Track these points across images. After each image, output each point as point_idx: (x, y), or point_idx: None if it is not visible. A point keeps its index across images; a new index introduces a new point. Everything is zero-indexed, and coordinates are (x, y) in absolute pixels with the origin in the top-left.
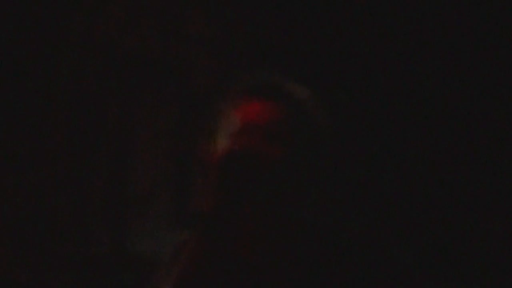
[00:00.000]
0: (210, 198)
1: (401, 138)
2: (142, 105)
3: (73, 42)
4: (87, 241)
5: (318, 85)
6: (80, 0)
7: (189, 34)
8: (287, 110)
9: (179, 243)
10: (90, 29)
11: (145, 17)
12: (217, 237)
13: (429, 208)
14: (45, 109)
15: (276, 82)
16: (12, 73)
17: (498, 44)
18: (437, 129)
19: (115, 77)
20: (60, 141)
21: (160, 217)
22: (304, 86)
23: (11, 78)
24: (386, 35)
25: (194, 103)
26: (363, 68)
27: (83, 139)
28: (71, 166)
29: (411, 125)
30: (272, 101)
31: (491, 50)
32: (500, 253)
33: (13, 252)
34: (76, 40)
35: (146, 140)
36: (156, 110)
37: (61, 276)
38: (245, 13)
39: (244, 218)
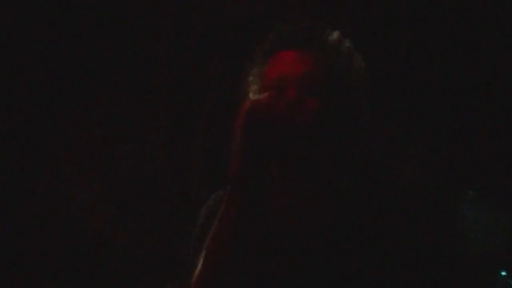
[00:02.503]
0: (237, 158)
1: None
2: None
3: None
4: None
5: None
6: None
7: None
8: (321, 58)
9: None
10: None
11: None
12: (246, 199)
13: None
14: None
15: (307, 29)
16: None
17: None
18: None
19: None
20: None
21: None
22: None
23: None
24: None
25: None
26: None
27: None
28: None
29: None
30: (303, 50)
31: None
32: None
33: (115, 214)
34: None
35: None
36: None
37: (160, 238)
38: None
39: (275, 177)
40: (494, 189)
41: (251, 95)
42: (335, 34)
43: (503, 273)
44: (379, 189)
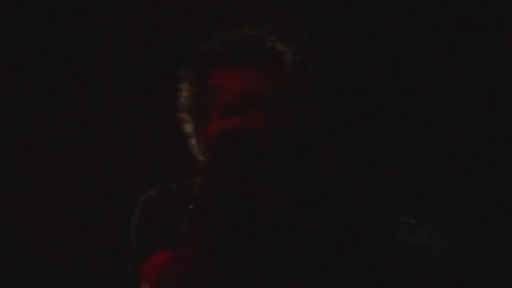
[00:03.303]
0: (205, 179)
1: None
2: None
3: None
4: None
5: None
6: None
7: (233, 16)
8: (274, 73)
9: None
10: (135, 10)
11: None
12: (214, 219)
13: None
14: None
15: (250, 39)
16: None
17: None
18: None
19: (158, 59)
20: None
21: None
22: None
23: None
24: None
25: None
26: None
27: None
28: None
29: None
30: (253, 64)
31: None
32: None
33: (55, 238)
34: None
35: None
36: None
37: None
38: None
39: (243, 195)
40: (431, 215)
41: (207, 115)
42: (282, 43)
43: None
44: (329, 191)
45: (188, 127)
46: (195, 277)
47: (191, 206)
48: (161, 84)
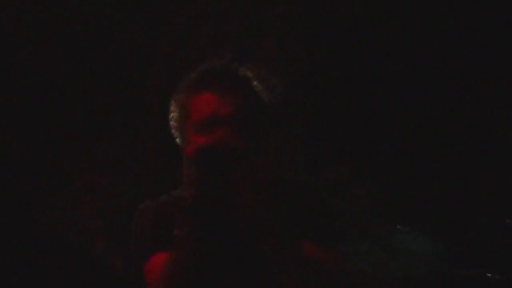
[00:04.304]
0: (191, 191)
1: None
2: None
3: (160, 66)
4: None
5: None
6: (167, 35)
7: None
8: (238, 97)
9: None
10: (174, 57)
11: (223, 43)
12: (196, 225)
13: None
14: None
15: (221, 70)
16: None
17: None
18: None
19: None
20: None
21: None
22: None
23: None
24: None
25: None
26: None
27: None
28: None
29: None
30: (222, 91)
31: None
32: None
33: (110, 242)
34: (162, 65)
35: None
36: None
37: None
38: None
39: (224, 203)
40: (420, 224)
41: (182, 133)
42: (247, 73)
43: None
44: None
45: (178, 142)
46: (187, 275)
47: (178, 214)
48: None
